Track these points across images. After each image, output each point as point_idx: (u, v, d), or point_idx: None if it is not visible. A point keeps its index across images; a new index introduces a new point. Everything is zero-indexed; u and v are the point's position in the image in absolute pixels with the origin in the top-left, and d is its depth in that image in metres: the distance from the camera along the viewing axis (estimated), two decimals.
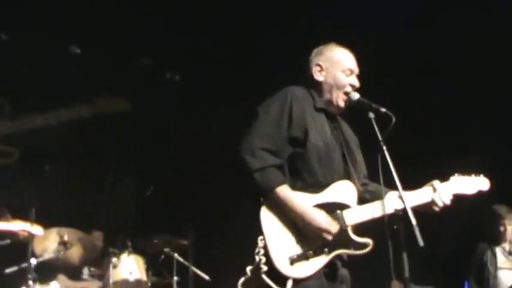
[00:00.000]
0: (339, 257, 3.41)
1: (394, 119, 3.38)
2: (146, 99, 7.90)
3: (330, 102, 3.70)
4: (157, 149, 7.89)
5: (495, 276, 6.65)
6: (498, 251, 6.73)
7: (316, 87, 3.75)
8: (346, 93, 3.67)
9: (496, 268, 6.66)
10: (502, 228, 6.68)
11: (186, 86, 7.94)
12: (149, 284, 6.20)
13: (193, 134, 7.63)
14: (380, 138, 3.36)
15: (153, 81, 7.86)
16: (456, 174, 3.72)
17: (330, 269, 3.37)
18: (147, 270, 6.26)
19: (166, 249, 6.44)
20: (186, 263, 6.49)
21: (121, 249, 6.20)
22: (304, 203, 3.36)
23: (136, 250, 6.29)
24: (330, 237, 3.31)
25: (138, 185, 7.89)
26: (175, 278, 6.37)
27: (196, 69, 7.78)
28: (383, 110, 3.46)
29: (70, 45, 7.45)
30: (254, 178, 3.35)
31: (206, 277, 6.47)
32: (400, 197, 3.22)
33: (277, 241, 3.29)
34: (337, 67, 3.72)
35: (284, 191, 3.35)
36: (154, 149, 7.89)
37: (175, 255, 6.45)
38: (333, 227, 3.33)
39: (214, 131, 7.38)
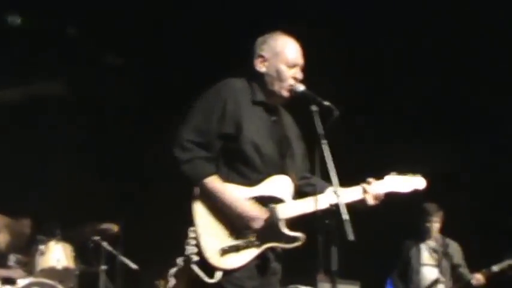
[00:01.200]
0: (272, 249, 3.43)
1: (336, 112, 3.36)
2: (87, 83, 7.69)
3: (272, 93, 3.63)
4: (94, 135, 7.73)
5: (418, 272, 6.86)
6: (423, 247, 6.95)
7: (258, 77, 3.66)
8: (290, 85, 3.60)
9: (419, 264, 6.87)
10: (428, 225, 6.89)
11: (130, 70, 7.78)
12: (77, 272, 6.14)
13: (133, 121, 7.53)
14: (320, 132, 3.33)
15: (95, 65, 7.64)
16: (392, 173, 3.74)
17: (261, 261, 3.39)
18: (75, 258, 6.17)
19: (95, 238, 6.35)
20: (114, 251, 6.43)
21: (49, 236, 6.09)
22: (235, 194, 3.37)
23: (65, 238, 6.19)
24: (257, 227, 3.33)
25: (73, 171, 7.71)
26: (103, 266, 6.30)
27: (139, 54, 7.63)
28: (326, 103, 3.43)
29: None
30: (183, 170, 3.34)
31: (134, 266, 6.42)
32: (334, 192, 3.25)
33: (208, 232, 3.30)
34: (281, 59, 3.62)
35: (213, 181, 3.35)
36: (91, 135, 7.73)
37: (104, 243, 6.36)
38: (263, 217, 3.35)
39: (155, 120, 7.31)
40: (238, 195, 3.38)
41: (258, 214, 3.36)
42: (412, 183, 3.76)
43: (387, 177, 3.72)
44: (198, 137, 3.39)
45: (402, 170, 3.75)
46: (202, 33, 7.30)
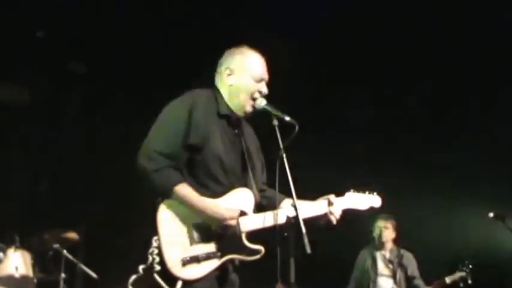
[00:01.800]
0: (231, 261, 3.49)
1: (297, 127, 3.43)
2: (47, 89, 7.63)
3: (236, 106, 3.71)
4: (54, 141, 7.68)
5: (374, 282, 6.99)
6: (378, 258, 7.09)
7: (224, 90, 3.74)
8: (254, 99, 3.68)
9: (376, 274, 7.00)
10: (382, 236, 7.05)
11: (91, 78, 7.75)
12: (35, 281, 6.06)
13: (92, 129, 7.51)
14: (281, 147, 3.41)
15: (56, 71, 7.59)
16: (351, 190, 3.92)
17: (221, 273, 3.45)
18: (34, 266, 6.12)
19: (55, 246, 6.32)
20: (74, 259, 6.40)
21: (8, 244, 6.02)
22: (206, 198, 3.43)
23: (24, 245, 6.14)
24: (234, 223, 3.41)
25: (31, 178, 7.65)
26: (63, 274, 6.27)
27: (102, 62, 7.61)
28: (287, 118, 3.51)
29: None
30: (152, 180, 3.38)
31: (94, 275, 6.40)
32: (294, 206, 3.33)
33: (171, 242, 3.34)
34: (247, 72, 3.70)
35: (183, 187, 3.40)
36: (50, 141, 7.67)
37: (64, 251, 6.34)
38: (234, 215, 3.44)
39: (113, 128, 7.30)
40: (211, 201, 3.44)
41: (231, 214, 3.44)
42: (369, 201, 3.96)
43: (348, 194, 3.91)
44: (164, 148, 3.43)
45: (360, 188, 3.93)
46: (167, 47, 7.33)
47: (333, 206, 3.74)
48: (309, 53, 7.46)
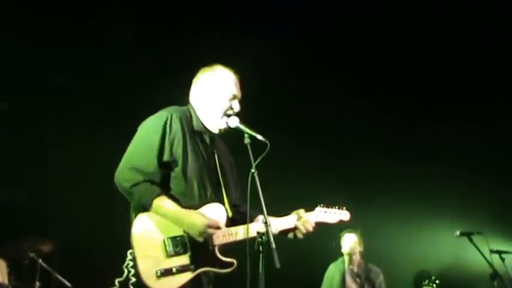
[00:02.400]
0: (205, 274, 3.59)
1: (268, 146, 3.53)
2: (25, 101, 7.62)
3: (210, 123, 3.83)
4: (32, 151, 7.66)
5: None
6: (347, 272, 7.18)
7: (197, 107, 3.86)
8: (227, 116, 3.79)
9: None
10: (350, 251, 7.15)
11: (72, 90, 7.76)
12: None
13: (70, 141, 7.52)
14: (252, 165, 3.49)
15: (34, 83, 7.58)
16: (320, 205, 4.08)
17: (194, 285, 3.55)
18: (9, 274, 6.15)
19: (31, 254, 6.35)
20: (49, 269, 6.44)
21: None
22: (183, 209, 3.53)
23: (0, 253, 6.16)
24: (213, 232, 3.53)
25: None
26: (38, 283, 6.29)
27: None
28: (259, 137, 3.62)
29: None
30: (131, 194, 3.50)
31: (68, 284, 6.43)
32: (265, 222, 3.44)
33: (146, 255, 3.44)
34: (220, 90, 3.83)
35: (163, 200, 3.50)
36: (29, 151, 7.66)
37: (40, 260, 6.38)
38: (214, 224, 3.55)
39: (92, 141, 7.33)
40: (188, 210, 3.54)
41: (210, 222, 3.54)
42: (338, 215, 4.12)
43: (317, 209, 4.07)
44: (141, 165, 3.53)
45: (329, 203, 4.09)
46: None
47: (302, 221, 3.90)
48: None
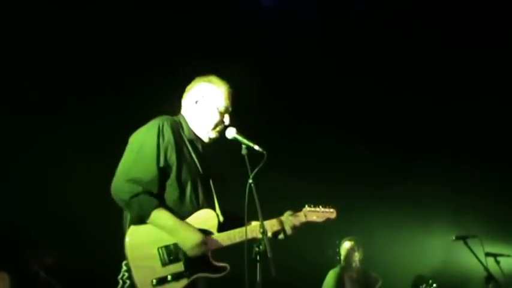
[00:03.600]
0: (201, 279, 3.66)
1: (265, 156, 3.61)
2: None
3: (201, 133, 3.93)
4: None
5: None
6: (346, 278, 7.19)
7: (189, 117, 3.95)
8: (218, 128, 3.89)
9: None
10: (349, 256, 7.19)
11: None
12: None
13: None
14: (250, 175, 3.56)
15: None
16: (307, 205, 4.20)
17: None
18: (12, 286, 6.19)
19: (34, 266, 6.39)
20: (51, 279, 6.48)
21: None
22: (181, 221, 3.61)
23: (2, 265, 6.20)
24: (205, 250, 3.60)
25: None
26: None
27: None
28: (256, 147, 3.71)
29: None
30: (130, 206, 3.57)
31: None
32: (262, 232, 3.54)
33: (141, 264, 3.52)
34: (212, 103, 3.92)
35: (162, 211, 3.58)
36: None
37: (42, 273, 6.41)
38: (204, 242, 3.62)
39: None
40: (185, 222, 3.62)
41: (203, 239, 3.61)
42: (325, 214, 4.24)
43: (304, 209, 4.19)
44: (139, 175, 3.61)
45: (315, 203, 4.20)
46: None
47: (290, 221, 4.02)
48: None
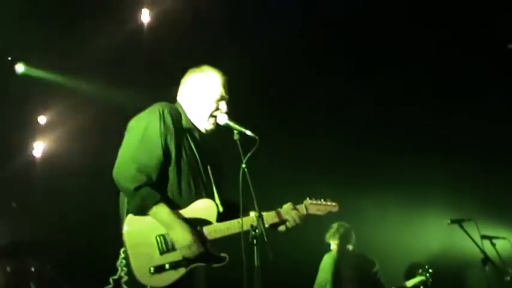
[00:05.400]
0: (198, 268, 3.65)
1: (258, 141, 3.61)
2: None
3: (198, 122, 3.90)
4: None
5: (339, 287, 7.11)
6: (342, 262, 7.18)
7: (186, 106, 3.93)
8: (214, 117, 3.87)
9: (340, 278, 7.09)
10: (344, 241, 7.17)
11: None
12: None
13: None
14: (242, 160, 3.57)
15: None
16: (308, 198, 4.16)
17: (188, 280, 3.61)
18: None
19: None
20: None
21: None
22: (179, 219, 3.58)
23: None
24: (197, 252, 3.56)
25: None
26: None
27: None
28: (248, 133, 3.71)
29: None
30: (133, 196, 3.55)
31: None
32: (258, 217, 3.54)
33: (138, 252, 3.51)
34: (206, 92, 3.90)
35: (162, 206, 3.55)
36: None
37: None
38: (198, 242, 3.58)
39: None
40: (183, 221, 3.58)
41: (196, 240, 3.57)
42: (327, 206, 4.19)
43: (305, 202, 4.14)
44: (143, 164, 3.58)
45: (317, 196, 4.17)
46: None
47: (291, 214, 3.98)
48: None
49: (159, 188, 3.62)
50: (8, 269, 6.34)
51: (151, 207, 3.54)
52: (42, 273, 6.45)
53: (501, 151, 7.88)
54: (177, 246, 3.56)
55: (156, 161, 3.62)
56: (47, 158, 7.75)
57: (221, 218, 3.78)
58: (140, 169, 3.56)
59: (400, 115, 8.10)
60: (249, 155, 3.59)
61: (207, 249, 3.65)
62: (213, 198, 3.81)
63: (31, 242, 6.65)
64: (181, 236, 3.55)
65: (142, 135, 3.68)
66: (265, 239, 3.44)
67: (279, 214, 3.97)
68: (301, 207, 4.09)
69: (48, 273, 6.46)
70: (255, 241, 3.47)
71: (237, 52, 7.23)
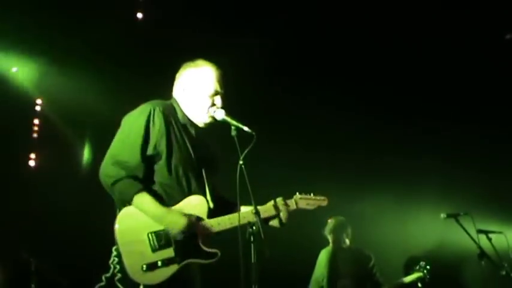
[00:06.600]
0: (191, 265, 3.65)
1: (255, 137, 3.62)
2: None
3: (193, 117, 3.90)
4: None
5: (335, 282, 7.09)
6: (339, 257, 7.19)
7: (181, 102, 3.93)
8: (210, 112, 3.86)
9: (336, 274, 7.08)
10: (340, 236, 7.22)
11: None
12: None
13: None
14: (240, 156, 3.58)
15: None
16: (298, 193, 4.18)
17: (181, 276, 3.60)
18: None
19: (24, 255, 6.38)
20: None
21: None
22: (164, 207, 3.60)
23: None
24: (193, 229, 3.59)
25: None
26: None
27: None
28: (245, 128, 3.71)
29: None
30: (114, 189, 3.57)
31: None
32: (255, 213, 3.57)
33: (131, 250, 3.51)
34: (201, 87, 3.89)
35: (143, 196, 3.57)
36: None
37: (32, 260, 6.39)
38: (191, 224, 3.60)
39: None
40: (169, 209, 3.61)
41: (190, 221, 3.60)
42: (316, 201, 4.23)
43: (295, 196, 4.16)
44: (125, 159, 3.60)
45: (307, 190, 4.20)
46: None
47: (281, 208, 4.00)
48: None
49: (148, 184, 3.63)
50: (8, 269, 6.33)
51: (131, 199, 3.55)
52: (42, 273, 6.44)
53: (497, 145, 7.88)
54: (173, 231, 3.55)
55: (136, 159, 3.62)
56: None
57: (212, 214, 3.78)
58: (120, 165, 3.58)
59: (394, 112, 8.09)
60: (246, 151, 3.60)
61: (199, 245, 3.65)
62: (204, 194, 3.80)
63: (31, 242, 6.62)
64: (174, 220, 3.56)
65: (127, 134, 3.70)
66: (262, 236, 3.45)
67: (270, 208, 3.98)
68: (291, 202, 4.11)
69: (48, 273, 6.44)
70: (252, 238, 3.49)
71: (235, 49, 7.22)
